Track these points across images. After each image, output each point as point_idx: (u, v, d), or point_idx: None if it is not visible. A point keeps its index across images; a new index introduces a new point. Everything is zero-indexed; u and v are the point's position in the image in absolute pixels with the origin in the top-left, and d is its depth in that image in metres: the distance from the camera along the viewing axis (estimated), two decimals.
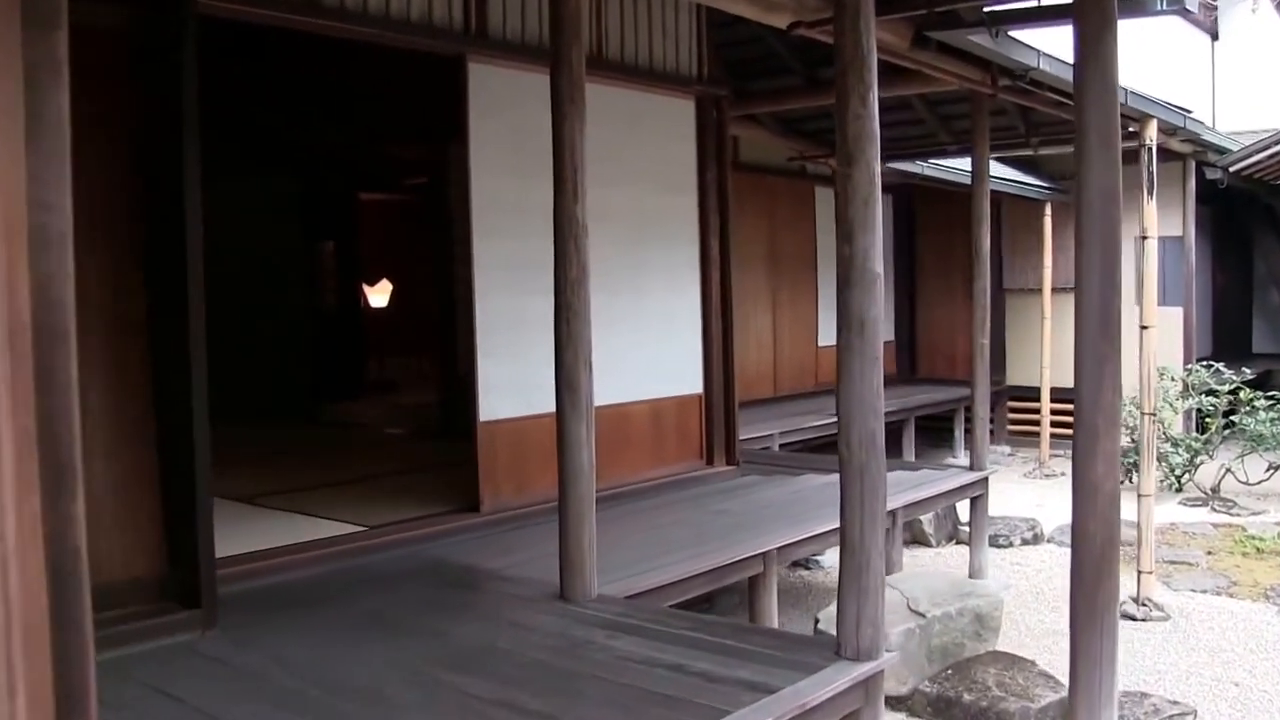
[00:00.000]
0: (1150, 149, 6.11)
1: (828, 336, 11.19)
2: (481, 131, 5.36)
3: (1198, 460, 9.83)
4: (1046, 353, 11.25)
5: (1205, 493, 9.58)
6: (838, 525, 5.65)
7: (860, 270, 3.38)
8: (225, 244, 9.33)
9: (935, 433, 12.24)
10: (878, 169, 3.44)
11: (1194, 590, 6.74)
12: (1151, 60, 13.02)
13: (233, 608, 4.00)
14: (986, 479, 6.86)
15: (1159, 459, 9.71)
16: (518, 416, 5.59)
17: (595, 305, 6.14)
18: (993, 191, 11.41)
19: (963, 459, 11.74)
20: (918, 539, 7.94)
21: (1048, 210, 11.20)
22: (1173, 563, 7.38)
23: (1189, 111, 6.71)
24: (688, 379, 6.47)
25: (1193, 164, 11.12)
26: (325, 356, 8.86)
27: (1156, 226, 6.12)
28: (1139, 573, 6.28)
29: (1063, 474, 10.93)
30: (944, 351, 13.03)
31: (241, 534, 4.83)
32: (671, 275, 6.40)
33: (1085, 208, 2.92)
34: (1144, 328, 6.17)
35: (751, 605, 5.14)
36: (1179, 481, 9.78)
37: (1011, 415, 12.60)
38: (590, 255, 6.07)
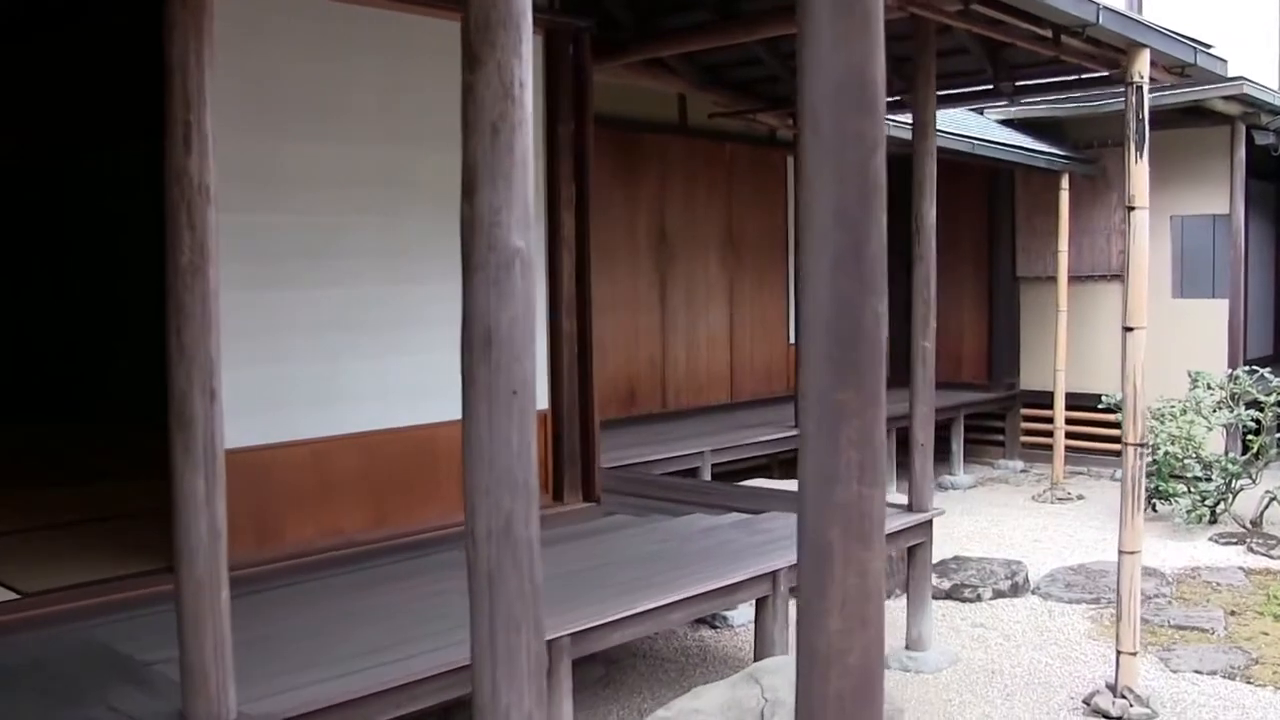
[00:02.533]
0: (1140, 88, 4.50)
1: (794, 332, 9.63)
2: None
3: (1237, 485, 8.10)
4: (1061, 352, 9.56)
5: (1244, 526, 7.86)
6: (690, 594, 4.33)
7: (486, 245, 1.96)
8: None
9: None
10: (524, 76, 1.99)
11: (1199, 671, 5.13)
12: (1202, 9, 11.19)
13: None
14: (929, 523, 5.31)
15: (1191, 482, 8.03)
16: (260, 445, 4.25)
17: (390, 297, 4.83)
18: (1004, 162, 9.84)
19: (961, 475, 10.16)
20: None
21: (1064, 183, 9.49)
22: (1181, 628, 5.75)
23: (1206, 46, 5.06)
24: None
25: (1243, 128, 9.33)
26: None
27: (1147, 193, 4.51)
28: (1118, 654, 4.71)
29: (1079, 497, 9.27)
30: (948, 350, 11.31)
31: None
32: None
33: (807, 120, 1.44)
34: (1128, 329, 4.57)
35: None
36: (1212, 512, 8.06)
37: (1026, 425, 10.90)
38: (381, 233, 4.70)
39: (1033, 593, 6.51)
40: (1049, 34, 4.69)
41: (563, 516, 5.08)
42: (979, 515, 8.80)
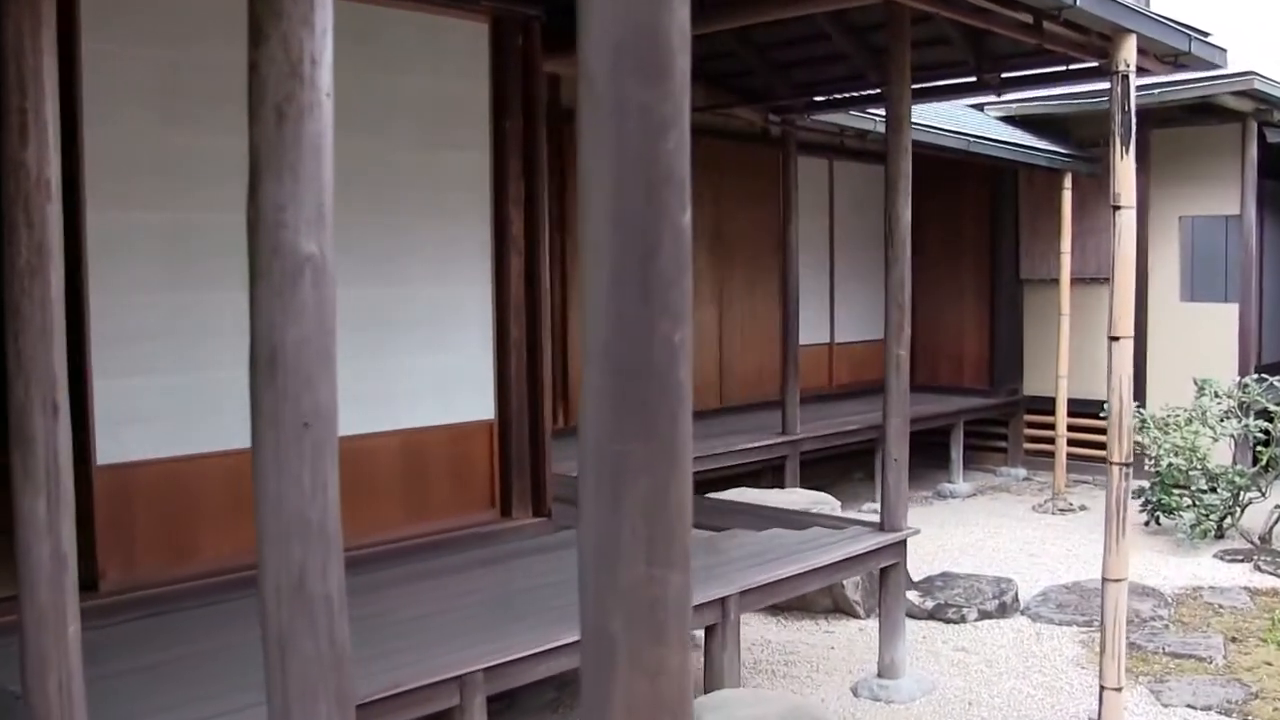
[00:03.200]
0: (1126, 78, 4.15)
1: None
2: (105, 57, 3.79)
3: (1245, 499, 7.70)
4: (1063, 357, 9.18)
5: (1251, 542, 7.48)
6: None
7: (270, 250, 1.65)
8: None
9: (932, 450, 10.24)
10: (317, 51, 1.69)
11: (1192, 706, 4.77)
12: (1214, 3, 10.76)
13: None
14: (903, 543, 4.98)
15: (1197, 496, 7.64)
16: (175, 456, 3.99)
17: None
18: (1007, 161, 9.46)
19: (961, 483, 9.80)
20: (840, 607, 6.08)
21: (1067, 182, 9.11)
22: (1177, 655, 5.39)
23: (1203, 34, 4.70)
24: (471, 401, 4.75)
25: (1255, 125, 8.91)
26: None
27: (1134, 192, 4.16)
28: (1102, 689, 4.36)
29: (1081, 508, 8.88)
30: (950, 354, 11.00)
31: None
32: (446, 261, 4.69)
33: (582, 91, 1.14)
34: (1114, 339, 4.23)
35: None
36: (1219, 527, 7.66)
37: (1030, 431, 10.51)
38: None
39: (1022, 613, 6.16)
40: (1029, 19, 4.35)
41: (509, 533, 4.78)
42: (975, 526, 8.45)
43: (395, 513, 4.60)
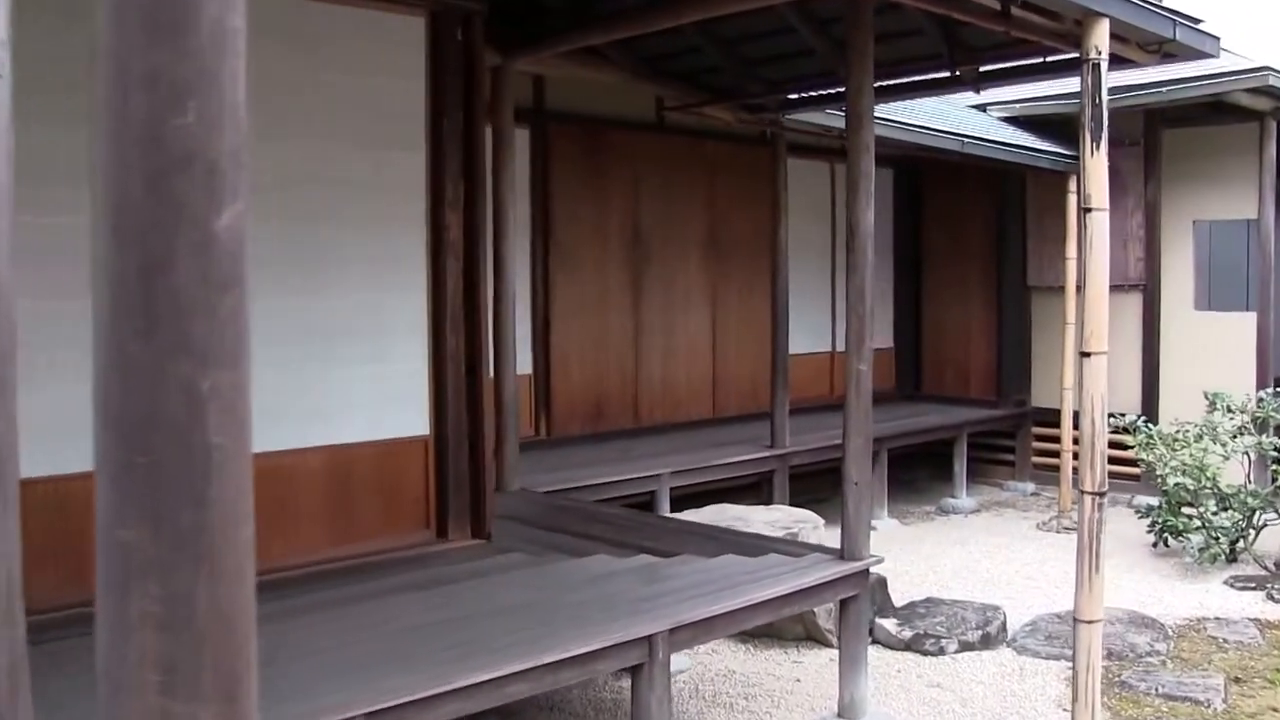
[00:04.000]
0: (1097, 66, 3.78)
1: (792, 342, 8.82)
2: None
3: (1259, 520, 7.25)
4: (1068, 369, 8.75)
5: (1265, 568, 7.04)
6: (531, 665, 3.59)
7: None
8: None
9: (938, 463, 9.83)
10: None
11: None
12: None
13: None
14: (865, 573, 4.62)
15: (1206, 517, 7.20)
16: (65, 474, 3.72)
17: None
18: (1013, 163, 9.06)
19: (964, 498, 9.40)
20: (812, 635, 5.73)
21: (1071, 185, 8.68)
22: (1171, 698, 4.98)
23: (1194, 20, 4.31)
24: (404, 416, 4.48)
25: (1273, 125, 8.44)
26: None
27: (1105, 192, 3.80)
28: None
29: None
30: (955, 364, 10.59)
31: None
32: (378, 267, 4.41)
33: (94, 59, 0.82)
34: (1084, 355, 3.86)
35: None
36: (1230, 550, 7.22)
37: (1038, 445, 10.08)
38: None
39: (1007, 645, 5.76)
40: (996, 5, 4.00)
41: (442, 555, 4.49)
42: (972, 545, 8.06)
43: (318, 534, 4.33)
